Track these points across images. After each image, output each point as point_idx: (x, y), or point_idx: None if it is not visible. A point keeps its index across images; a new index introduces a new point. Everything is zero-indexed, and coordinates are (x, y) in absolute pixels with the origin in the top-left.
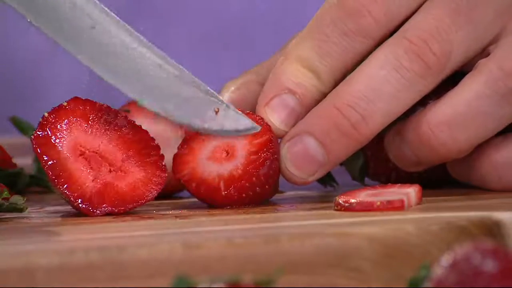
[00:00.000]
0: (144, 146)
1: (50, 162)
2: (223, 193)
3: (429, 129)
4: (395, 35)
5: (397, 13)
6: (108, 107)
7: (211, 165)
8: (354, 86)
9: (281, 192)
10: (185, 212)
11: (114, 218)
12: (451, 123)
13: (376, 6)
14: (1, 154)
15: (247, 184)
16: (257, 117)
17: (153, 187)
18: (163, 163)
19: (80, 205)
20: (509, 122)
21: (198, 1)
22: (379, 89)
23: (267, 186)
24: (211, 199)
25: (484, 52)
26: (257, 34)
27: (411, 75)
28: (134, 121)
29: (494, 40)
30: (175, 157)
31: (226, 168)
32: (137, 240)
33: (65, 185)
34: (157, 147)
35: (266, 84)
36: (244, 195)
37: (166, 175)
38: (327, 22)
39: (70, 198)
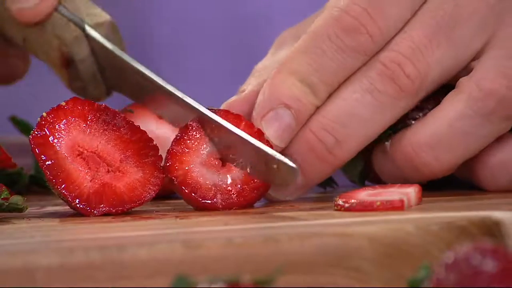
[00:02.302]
0: (142, 146)
1: (48, 162)
2: (220, 204)
3: (412, 150)
4: (372, 58)
5: (392, 29)
6: (107, 107)
7: (205, 171)
8: (329, 110)
9: None
10: (185, 212)
11: (113, 218)
12: (433, 144)
13: (373, 23)
14: (1, 154)
15: (243, 202)
16: (255, 129)
17: (151, 187)
18: (161, 164)
19: (78, 205)
20: (491, 140)
21: (214, 1)
22: (354, 112)
23: (261, 195)
24: (203, 207)
25: (467, 68)
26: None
27: (384, 98)
28: (132, 122)
29: (477, 56)
30: (168, 153)
31: (222, 179)
32: (137, 240)
33: (63, 185)
34: (156, 148)
35: (261, 95)
36: (236, 205)
37: (164, 175)
38: (323, 37)
39: (68, 198)
